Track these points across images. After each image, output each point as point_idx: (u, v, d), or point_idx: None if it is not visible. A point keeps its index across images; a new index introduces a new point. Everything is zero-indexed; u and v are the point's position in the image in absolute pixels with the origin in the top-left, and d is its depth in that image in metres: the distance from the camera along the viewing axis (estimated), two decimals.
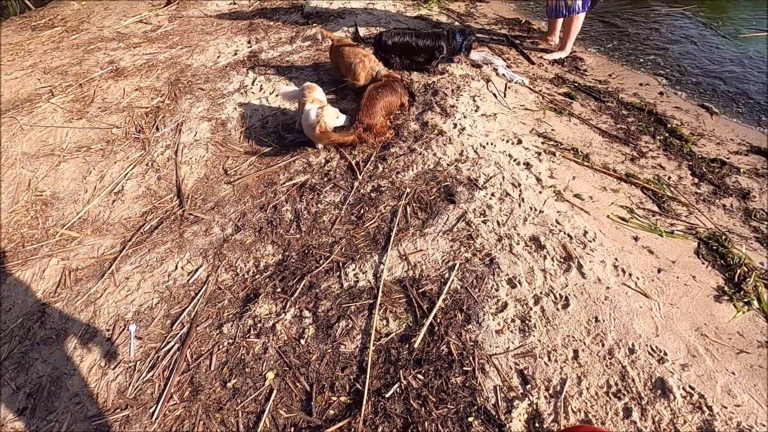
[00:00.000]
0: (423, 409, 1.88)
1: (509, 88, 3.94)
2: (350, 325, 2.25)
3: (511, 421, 1.78)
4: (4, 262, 3.09)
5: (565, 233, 2.48)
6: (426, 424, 1.84)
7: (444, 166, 3.06)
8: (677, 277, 2.27)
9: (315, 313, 2.35)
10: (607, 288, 2.20)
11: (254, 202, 3.16)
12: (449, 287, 2.31)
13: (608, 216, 2.64)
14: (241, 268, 2.69)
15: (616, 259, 2.33)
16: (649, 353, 1.93)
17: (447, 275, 2.37)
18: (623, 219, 2.63)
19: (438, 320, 2.18)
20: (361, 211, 2.88)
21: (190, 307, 2.53)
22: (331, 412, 1.95)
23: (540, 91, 3.94)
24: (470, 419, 1.82)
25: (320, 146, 3.47)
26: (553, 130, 3.43)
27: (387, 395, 1.94)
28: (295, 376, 2.10)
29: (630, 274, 2.26)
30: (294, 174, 3.33)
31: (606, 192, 2.84)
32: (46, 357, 2.44)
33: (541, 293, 2.22)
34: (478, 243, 2.51)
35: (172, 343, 2.37)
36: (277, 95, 4.27)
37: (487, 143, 3.20)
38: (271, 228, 2.91)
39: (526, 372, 1.93)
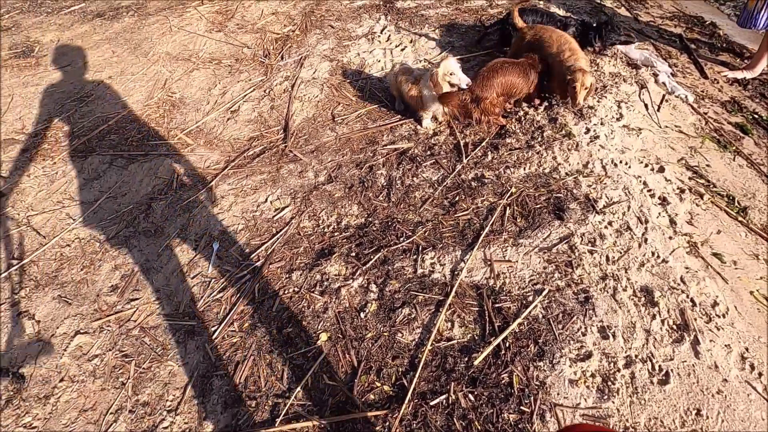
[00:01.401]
0: (465, 431, 1.76)
1: (667, 101, 3.31)
2: (413, 315, 2.15)
3: None
4: (132, 150, 3.43)
5: (687, 296, 2.07)
6: None
7: (561, 175, 2.70)
8: None
9: (382, 290, 2.27)
10: (724, 380, 1.81)
11: (352, 156, 3.10)
12: (530, 312, 2.08)
13: (752, 292, 2.14)
14: (324, 220, 2.68)
15: (746, 349, 1.90)
16: None
17: (531, 298, 2.13)
18: None
19: (507, 344, 1.98)
20: (456, 198, 2.68)
21: (269, 243, 2.60)
22: (372, 396, 1.91)
23: (705, 114, 3.26)
24: None
25: (425, 120, 3.22)
26: (708, 165, 2.83)
27: (432, 403, 1.84)
28: (346, 347, 2.08)
29: (760, 374, 1.83)
30: (398, 138, 3.19)
31: (757, 261, 2.31)
32: (143, 247, 2.70)
33: (636, 357, 1.90)
34: (577, 274, 2.20)
35: (245, 272, 2.47)
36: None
37: (621, 161, 2.74)
38: (362, 188, 2.85)
39: None
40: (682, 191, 2.59)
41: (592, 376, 1.85)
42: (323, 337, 2.14)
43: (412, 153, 3.04)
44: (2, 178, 3.30)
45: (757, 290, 2.15)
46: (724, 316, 2.00)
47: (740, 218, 2.50)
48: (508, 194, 2.64)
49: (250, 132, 3.51)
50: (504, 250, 2.36)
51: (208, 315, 2.30)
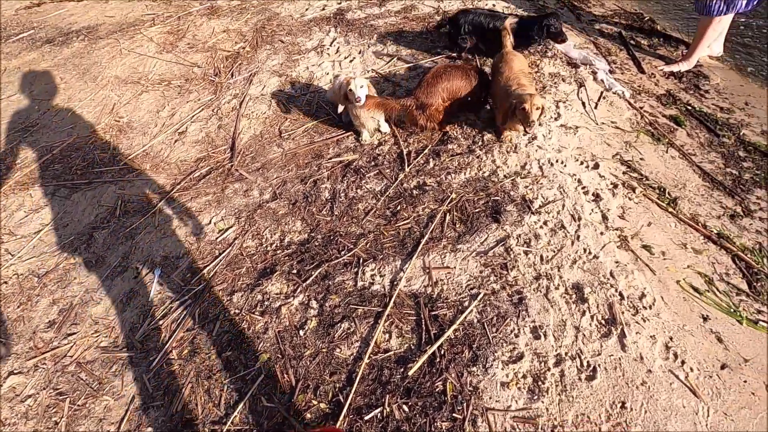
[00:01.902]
0: None
1: (604, 98, 3.40)
2: (352, 329, 2.15)
3: None
4: (75, 179, 3.37)
5: (616, 290, 2.12)
6: None
7: (500, 177, 2.75)
8: (744, 381, 1.85)
9: (322, 306, 2.27)
10: (649, 371, 1.85)
11: (298, 172, 3.10)
12: (465, 317, 2.10)
13: (678, 282, 2.21)
14: (267, 239, 2.67)
15: (670, 338, 1.95)
16: None
17: (467, 304, 2.15)
18: (696, 290, 2.18)
19: (442, 352, 2.00)
20: (398, 208, 2.70)
21: (211, 265, 2.58)
22: (308, 415, 1.90)
23: (641, 108, 3.35)
24: None
25: (364, 134, 3.22)
26: (642, 159, 2.91)
27: (366, 417, 1.84)
28: (285, 367, 2.07)
29: (683, 362, 1.88)
30: (343, 151, 3.20)
31: (685, 251, 2.37)
32: (83, 279, 2.65)
33: (566, 354, 1.93)
34: (512, 276, 2.23)
35: (186, 297, 2.44)
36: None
37: (557, 161, 2.80)
38: (305, 203, 2.85)
39: None
40: (615, 186, 2.65)
41: (524, 377, 1.88)
42: (263, 357, 2.12)
43: (356, 165, 3.05)
44: None
45: (684, 279, 2.22)
46: (650, 308, 2.05)
47: (670, 209, 2.57)
48: (449, 200, 2.67)
49: (197, 153, 3.48)
50: (443, 256, 2.38)
51: (147, 344, 2.27)
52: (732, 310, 2.11)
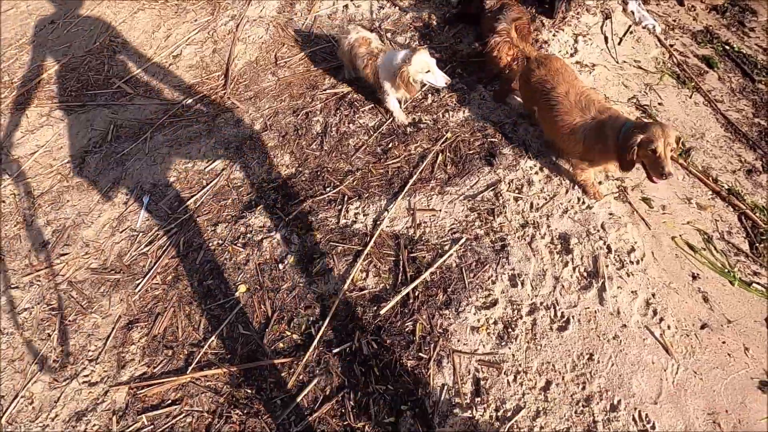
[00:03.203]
0: (364, 378, 1.81)
1: (631, 33, 3.04)
2: (330, 266, 2.15)
3: (443, 428, 1.65)
4: (69, 101, 3.32)
5: (605, 243, 2.02)
6: (359, 394, 1.78)
7: (501, 118, 2.56)
8: (723, 342, 1.80)
9: (303, 241, 2.26)
10: (623, 326, 1.81)
11: (290, 102, 2.96)
12: (443, 261, 2.06)
13: (674, 238, 2.09)
14: (254, 171, 2.62)
15: (653, 295, 1.88)
16: (633, 420, 1.62)
17: (447, 248, 2.10)
18: (692, 248, 2.07)
19: (417, 293, 1.99)
20: (390, 146, 2.58)
21: (198, 195, 2.56)
22: (281, 345, 1.96)
23: (672, 46, 3.00)
24: (403, 407, 1.72)
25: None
26: (660, 104, 2.65)
27: (335, 351, 1.89)
28: (262, 298, 2.11)
29: (661, 319, 1.82)
30: (340, 82, 3.01)
31: (688, 206, 2.22)
32: (75, 202, 2.68)
33: (541, 304, 1.89)
34: (498, 222, 2.15)
35: (173, 226, 2.46)
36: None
37: None
38: (296, 136, 2.74)
39: (483, 383, 1.74)
40: None
41: (495, 323, 1.87)
42: (242, 288, 2.16)
43: (351, 97, 2.88)
44: None
45: (680, 235, 2.10)
46: (638, 263, 1.96)
47: (680, 160, 2.38)
48: (443, 140, 2.52)
49: (191, 78, 3.34)
50: (429, 198, 2.30)
51: (134, 269, 2.33)
52: (726, 270, 2.01)
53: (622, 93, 2.68)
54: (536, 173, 2.30)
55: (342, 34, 2.77)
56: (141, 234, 2.46)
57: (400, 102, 2.65)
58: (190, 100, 3.16)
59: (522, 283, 1.96)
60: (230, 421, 1.79)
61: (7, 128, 3.20)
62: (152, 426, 1.82)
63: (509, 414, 1.66)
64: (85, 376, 1.99)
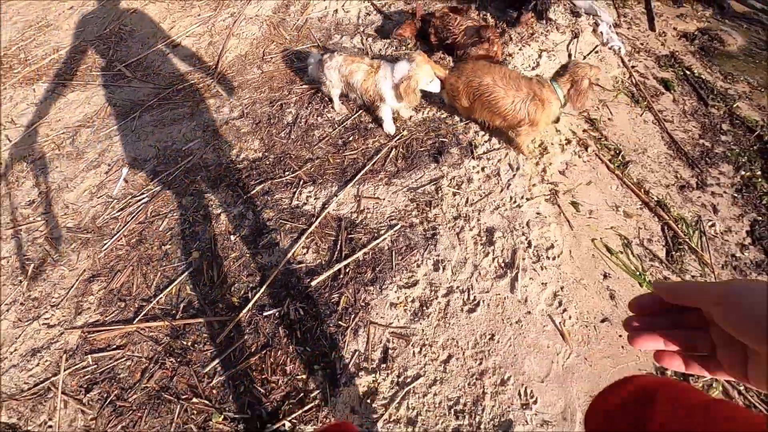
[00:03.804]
0: (285, 339, 1.99)
1: (597, 52, 3.21)
2: (276, 241, 2.34)
3: (348, 387, 1.82)
4: (73, 80, 3.61)
5: (527, 238, 2.18)
6: (279, 352, 1.96)
7: (455, 121, 2.74)
8: (620, 336, 1.93)
9: (257, 217, 2.46)
10: (527, 313, 1.96)
11: (269, 94, 3.19)
12: (377, 244, 2.24)
13: (593, 240, 2.23)
14: (225, 153, 2.84)
15: (561, 288, 2.03)
16: (519, 395, 1.76)
17: (383, 232, 2.28)
18: (609, 250, 2.20)
19: (348, 270, 2.17)
20: (350, 138, 2.78)
21: (172, 170, 2.80)
22: (220, 305, 2.15)
23: (634, 67, 3.15)
24: (316, 367, 1.90)
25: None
26: (609, 119, 2.80)
27: (265, 313, 2.07)
28: (211, 264, 2.31)
29: (565, 310, 1.96)
30: None
31: (615, 213, 2.36)
32: (63, 169, 2.94)
33: (456, 288, 2.05)
34: (433, 213, 2.32)
35: (144, 196, 2.69)
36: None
37: None
38: (267, 125, 2.97)
39: (390, 352, 1.90)
40: (568, 142, 2.61)
41: (412, 301, 2.03)
42: (195, 254, 2.37)
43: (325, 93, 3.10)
44: None
45: (600, 238, 2.24)
46: (554, 259, 2.11)
47: (617, 172, 2.52)
48: (399, 137, 2.72)
49: (185, 67, 3.61)
50: (376, 188, 2.49)
51: (104, 230, 2.56)
52: (638, 273, 2.14)
53: None
54: (477, 172, 2.47)
55: (324, 56, 2.78)
56: (115, 201, 2.69)
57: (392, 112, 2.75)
58: (180, 86, 3.42)
59: (444, 269, 2.12)
60: (164, 367, 1.98)
61: (10, 100, 3.51)
62: (96, 366, 2.02)
63: (408, 380, 1.82)
64: (46, 319, 2.21)
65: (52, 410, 1.91)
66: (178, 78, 3.50)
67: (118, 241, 2.49)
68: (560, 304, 1.98)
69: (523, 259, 2.11)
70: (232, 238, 2.40)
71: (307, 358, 1.92)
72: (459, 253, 2.16)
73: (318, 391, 1.82)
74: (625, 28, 3.48)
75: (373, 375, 1.84)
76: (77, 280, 2.35)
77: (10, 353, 2.12)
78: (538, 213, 2.28)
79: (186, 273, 2.30)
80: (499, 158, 2.52)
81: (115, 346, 2.08)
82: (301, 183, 2.58)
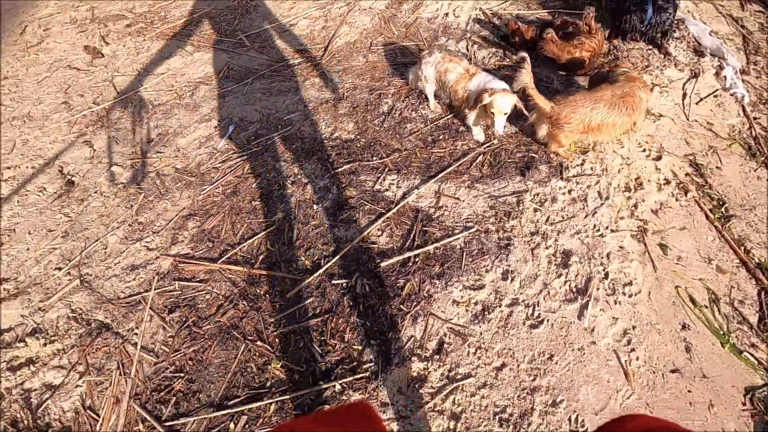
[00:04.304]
0: (348, 309, 2.10)
1: (716, 96, 3.01)
2: (354, 218, 2.47)
3: (399, 368, 1.89)
4: (201, 42, 4.01)
5: (603, 270, 2.12)
6: (341, 319, 2.07)
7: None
8: (689, 391, 1.82)
9: (340, 193, 2.61)
10: (592, 342, 1.91)
11: (369, 83, 3.35)
12: (450, 242, 2.29)
13: (677, 287, 2.11)
14: (321, 129, 3.03)
15: (633, 327, 1.95)
16: (569, 420, 1.72)
17: (457, 232, 2.33)
18: (693, 301, 2.08)
19: (417, 260, 2.24)
20: (440, 137, 2.85)
21: (271, 135, 3.03)
22: (294, 265, 2.32)
23: (756, 119, 2.92)
24: (372, 341, 1.99)
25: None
26: (718, 167, 2.63)
27: (333, 282, 2.20)
28: (291, 226, 2.49)
29: (633, 350, 1.89)
30: None
31: (707, 265, 2.22)
32: (180, 117, 3.29)
33: (522, 301, 2.05)
34: (510, 224, 2.33)
35: (245, 154, 2.95)
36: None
37: (620, 141, 2.66)
38: (364, 110, 3.12)
39: (446, 346, 1.94)
40: (667, 182, 2.48)
41: (475, 303, 2.06)
42: (279, 215, 2.56)
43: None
44: (106, 44, 4.10)
45: (686, 287, 2.12)
46: (630, 296, 2.03)
47: (716, 224, 2.36)
48: (488, 144, 2.74)
49: (297, 45, 3.88)
50: (458, 188, 2.53)
51: (205, 176, 2.84)
52: (721, 333, 2.00)
53: (680, 148, 2.69)
54: (563, 194, 2.43)
55: (425, 54, 2.88)
56: (219, 153, 2.97)
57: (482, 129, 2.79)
58: (291, 61, 3.69)
59: (512, 279, 2.12)
60: (237, 307, 2.17)
61: (148, 51, 3.97)
62: (180, 292, 2.26)
63: (458, 377, 1.85)
64: (147, 242, 2.51)
65: (139, 320, 2.17)
66: (290, 54, 3.77)
67: (216, 188, 2.75)
68: (629, 342, 1.91)
69: (597, 289, 2.05)
70: (315, 207, 2.56)
71: (366, 332, 2.02)
72: (530, 269, 2.15)
73: (371, 365, 1.91)
74: (753, 76, 3.23)
75: (425, 363, 1.89)
76: (177, 215, 2.63)
77: (115, 264, 2.42)
78: (621, 247, 2.20)
79: (268, 229, 2.49)
80: (589, 184, 2.46)
81: (198, 279, 2.31)
82: (386, 170, 2.69)
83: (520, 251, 2.22)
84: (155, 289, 2.27)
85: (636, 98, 2.40)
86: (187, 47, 3.97)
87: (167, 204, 2.70)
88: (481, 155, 2.70)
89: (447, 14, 3.92)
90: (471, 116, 2.69)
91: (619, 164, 2.55)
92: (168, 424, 1.83)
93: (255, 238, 2.46)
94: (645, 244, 2.23)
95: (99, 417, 1.86)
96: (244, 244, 2.43)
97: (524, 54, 2.47)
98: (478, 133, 2.78)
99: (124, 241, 2.53)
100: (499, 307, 2.04)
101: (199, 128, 3.18)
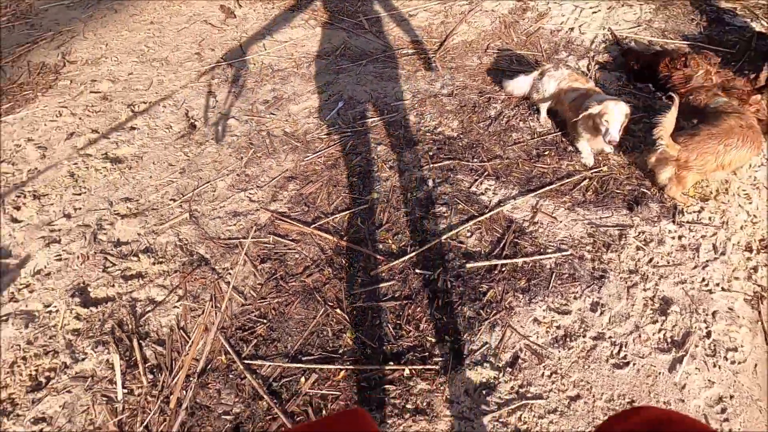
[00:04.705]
0: (427, 301, 2.13)
1: None
2: (446, 214, 2.49)
3: (469, 370, 1.89)
4: (324, 19, 4.20)
5: (706, 329, 1.96)
6: (418, 308, 2.11)
7: None
8: None
9: (436, 187, 2.63)
10: (680, 400, 1.78)
11: (480, 84, 3.33)
12: (540, 259, 2.24)
13: None
14: (425, 121, 3.07)
15: (731, 397, 1.79)
16: None
17: (549, 251, 2.26)
18: None
19: (504, 269, 2.21)
20: (545, 152, 2.77)
21: (376, 119, 3.12)
22: (380, 246, 2.38)
23: None
24: (446, 337, 2.00)
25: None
26: None
27: (416, 271, 2.24)
28: (384, 209, 2.56)
29: (727, 420, 1.74)
30: None
31: None
32: (295, 85, 3.48)
33: (608, 337, 1.96)
34: (608, 256, 2.22)
35: (349, 131, 3.06)
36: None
37: (745, 193, 2.44)
38: (471, 111, 3.11)
39: (520, 361, 1.91)
40: None
41: (558, 327, 2.00)
42: (374, 194, 2.64)
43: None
44: (239, 6, 4.42)
45: None
46: (732, 363, 1.87)
47: None
48: (597, 169, 2.63)
49: (414, 36, 3.94)
50: (556, 207, 2.46)
51: (309, 145, 2.99)
52: None
53: None
54: (672, 238, 2.28)
55: (550, 68, 2.87)
56: (325, 125, 3.11)
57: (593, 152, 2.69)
58: (404, 50, 3.75)
59: (601, 313, 2.03)
60: (322, 272, 2.28)
61: (275, 19, 4.23)
62: (273, 246, 2.42)
63: (529, 395, 1.81)
64: (250, 193, 2.70)
65: (234, 263, 2.35)
66: (406, 43, 3.84)
67: (318, 158, 2.89)
68: (723, 411, 1.76)
69: (696, 346, 1.91)
70: (409, 195, 2.61)
71: (441, 327, 2.04)
72: (623, 307, 2.05)
73: (441, 359, 1.93)
74: None
75: (497, 372, 1.88)
76: (280, 174, 2.80)
77: (220, 206, 2.64)
78: (730, 308, 2.03)
79: (361, 207, 2.58)
80: (704, 235, 2.28)
81: (291, 238, 2.45)
82: (484, 174, 2.67)
83: (615, 287, 2.12)
84: (252, 238, 2.45)
85: (757, 131, 2.25)
86: (310, 21, 4.17)
87: (273, 163, 2.88)
88: (587, 179, 2.59)
89: (572, 29, 3.79)
90: (583, 141, 2.59)
91: (744, 220, 2.34)
92: (246, 361, 1.97)
93: (347, 212, 2.56)
94: (759, 313, 2.03)
95: (189, 339, 2.05)
96: (337, 216, 2.54)
97: (673, 95, 2.32)
98: (588, 157, 2.68)
99: (230, 188, 2.74)
100: (583, 337, 1.96)
101: (311, 99, 3.35)
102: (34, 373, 1.99)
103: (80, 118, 3.28)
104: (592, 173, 2.62)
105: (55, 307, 2.21)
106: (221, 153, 2.97)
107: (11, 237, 2.51)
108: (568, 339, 1.96)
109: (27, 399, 1.90)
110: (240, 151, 2.98)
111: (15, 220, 2.61)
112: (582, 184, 2.57)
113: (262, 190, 2.71)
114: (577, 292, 2.11)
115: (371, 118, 3.13)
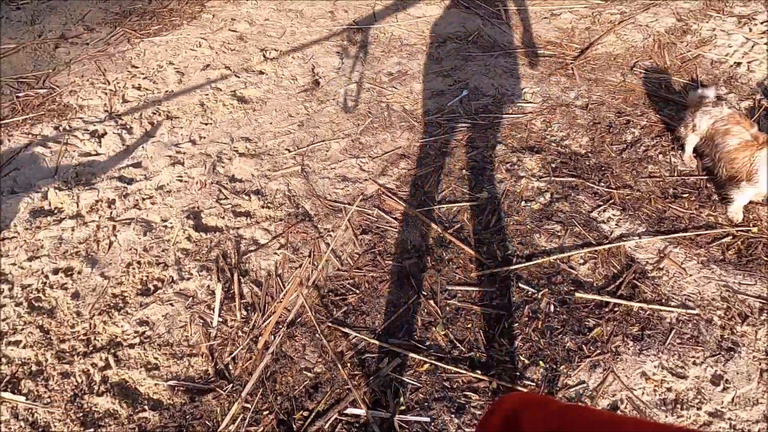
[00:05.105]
0: (526, 319, 2.01)
1: None
2: (560, 233, 2.32)
3: (561, 398, 1.76)
4: (462, 1, 4.05)
5: None
6: (515, 324, 1.99)
7: None
8: None
9: (552, 201, 2.46)
10: None
11: (619, 104, 3.05)
12: (660, 310, 2.02)
13: None
14: (551, 130, 2.87)
15: None
16: None
17: (672, 304, 2.04)
18: None
19: (616, 309, 2.03)
20: (683, 195, 2.50)
21: (499, 114, 2.97)
22: (484, 248, 2.28)
23: None
24: (541, 363, 1.88)
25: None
26: None
27: (520, 284, 2.11)
28: (493, 210, 2.44)
29: None
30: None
31: None
32: (420, 62, 3.40)
33: (728, 419, 1.73)
34: (742, 329, 1.95)
35: (468, 121, 2.94)
36: None
37: None
38: (604, 130, 2.87)
39: (618, 412, 1.75)
40: None
41: (668, 389, 1.80)
42: (484, 193, 2.52)
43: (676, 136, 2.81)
44: None
45: None
46: None
47: None
48: (746, 228, 2.32)
49: (552, 36, 3.69)
50: (687, 258, 2.20)
51: (426, 127, 2.92)
52: None
53: None
54: None
55: (710, 102, 2.52)
56: (447, 111, 3.01)
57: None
58: (539, 50, 3.53)
59: (724, 389, 1.80)
60: (421, 260, 2.23)
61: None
62: (376, 220, 2.40)
63: None
64: (362, 161, 2.69)
65: (336, 226, 2.36)
66: (542, 42, 3.60)
67: (434, 142, 2.81)
68: None
69: None
70: (522, 203, 2.46)
71: (537, 351, 1.91)
72: (752, 391, 1.80)
73: (532, 384, 1.81)
74: None
75: None
76: (393, 150, 2.76)
77: (331, 167, 2.65)
78: None
79: (470, 203, 2.47)
80: None
81: (394, 216, 2.41)
82: (609, 201, 2.45)
83: (745, 365, 1.86)
84: (357, 207, 2.44)
85: None
86: (446, 1, 4.04)
87: (388, 137, 2.84)
88: (730, 237, 2.29)
89: (739, 64, 3.35)
90: (745, 193, 2.28)
91: None
92: (333, 325, 1.98)
93: (455, 204, 2.47)
94: None
95: (284, 288, 2.10)
96: (444, 206, 2.46)
97: None
98: (737, 212, 2.36)
99: (343, 152, 2.75)
100: (698, 409, 1.75)
101: (435, 80, 3.25)
102: (145, 278, 2.13)
103: (216, 53, 3.44)
104: (737, 231, 2.31)
105: (171, 223, 2.34)
106: (339, 115, 2.98)
107: (143, 149, 2.70)
108: (678, 406, 1.76)
109: (136, 301, 2.05)
110: (358, 117, 2.97)
111: (149, 135, 2.80)
112: (723, 241, 2.27)
113: (374, 162, 2.69)
114: (698, 357, 1.88)
115: (495, 113, 2.99)
